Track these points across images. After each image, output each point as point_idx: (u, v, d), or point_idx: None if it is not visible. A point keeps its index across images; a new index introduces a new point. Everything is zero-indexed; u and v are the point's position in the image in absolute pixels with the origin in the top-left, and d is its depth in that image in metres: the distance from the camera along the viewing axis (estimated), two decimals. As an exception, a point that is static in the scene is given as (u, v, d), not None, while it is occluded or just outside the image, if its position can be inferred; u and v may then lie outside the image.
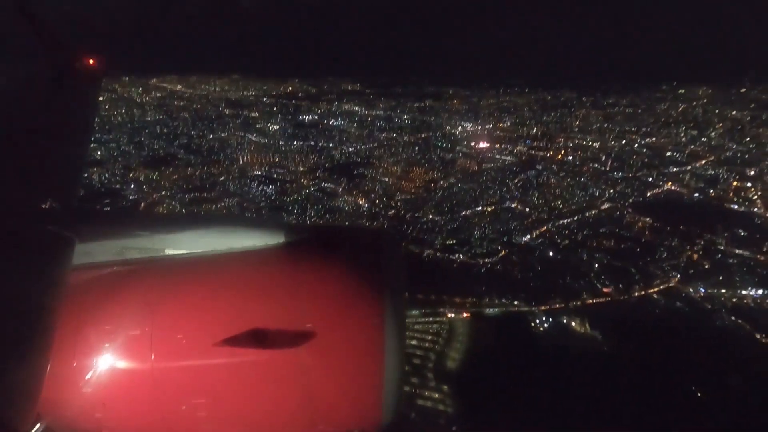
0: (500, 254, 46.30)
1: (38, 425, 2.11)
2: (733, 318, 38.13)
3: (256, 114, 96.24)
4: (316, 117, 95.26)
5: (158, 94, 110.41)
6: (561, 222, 53.34)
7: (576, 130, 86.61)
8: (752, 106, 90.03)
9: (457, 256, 46.13)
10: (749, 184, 62.08)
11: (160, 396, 2.29)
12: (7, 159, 3.52)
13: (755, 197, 58.29)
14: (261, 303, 2.34)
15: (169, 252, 2.69)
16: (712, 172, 67.51)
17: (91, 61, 6.63)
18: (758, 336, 36.35)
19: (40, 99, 5.13)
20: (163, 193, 58.87)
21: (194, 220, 2.99)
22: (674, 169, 69.01)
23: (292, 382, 2.25)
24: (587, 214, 55.57)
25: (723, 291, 41.11)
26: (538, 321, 37.98)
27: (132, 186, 60.67)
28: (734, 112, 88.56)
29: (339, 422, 2.39)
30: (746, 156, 71.80)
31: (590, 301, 40.10)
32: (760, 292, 40.68)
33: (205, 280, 2.51)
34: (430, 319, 37.66)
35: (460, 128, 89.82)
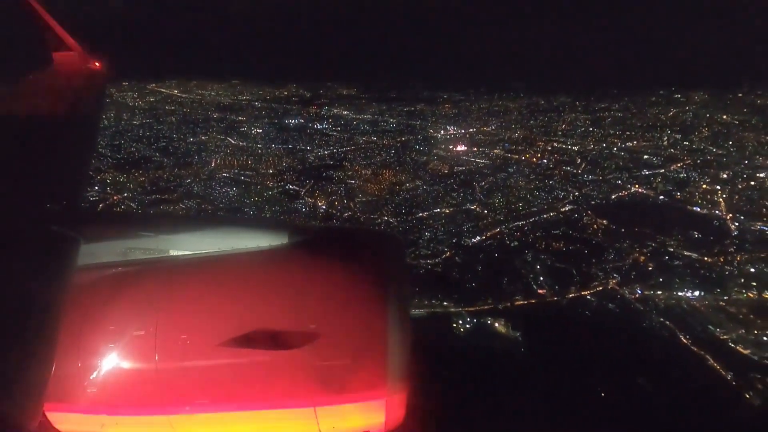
0: (444, 255, 46.06)
1: None
2: (661, 319, 37.58)
3: (243, 118, 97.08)
4: (302, 121, 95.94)
5: (152, 99, 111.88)
6: (516, 224, 52.92)
7: (559, 133, 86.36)
8: (744, 110, 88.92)
9: (399, 257, 45.77)
10: (718, 187, 61.20)
11: (164, 396, 2.33)
12: (13, 160, 3.63)
13: (719, 200, 57.44)
14: (265, 303, 2.38)
15: (173, 253, 2.76)
16: (684, 175, 66.71)
17: (97, 64, 6.91)
18: (681, 337, 35.80)
19: (46, 101, 5.29)
20: (126, 194, 59.38)
21: (198, 222, 3.04)
22: (646, 172, 68.33)
23: (295, 382, 2.28)
24: (545, 216, 55.08)
25: (659, 292, 40.52)
26: (461, 322, 37.62)
27: (96, 187, 61.23)
28: (724, 116, 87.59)
29: (343, 422, 2.41)
30: (724, 159, 70.83)
31: (520, 302, 39.76)
32: (696, 293, 40.07)
33: (209, 280, 2.55)
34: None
35: (442, 132, 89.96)
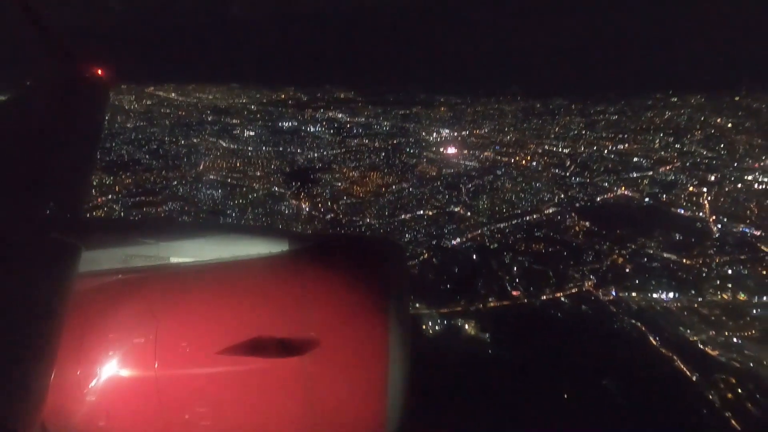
0: (421, 257, 45.93)
1: None
2: (633, 321, 37.46)
3: (237, 121, 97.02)
4: (296, 124, 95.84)
5: (148, 102, 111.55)
6: (498, 226, 52.81)
7: (552, 136, 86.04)
8: (740, 113, 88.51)
9: (376, 260, 45.66)
10: (704, 190, 61.07)
11: (164, 404, 2.30)
12: (15, 166, 3.60)
13: (705, 202, 57.29)
14: (265, 311, 2.36)
15: (174, 260, 2.72)
16: (672, 178, 66.51)
17: (99, 71, 6.86)
18: (651, 338, 35.73)
19: (48, 108, 5.26)
20: (110, 196, 59.39)
21: (199, 228, 3.01)
22: (634, 175, 68.13)
23: (296, 390, 2.26)
24: (528, 218, 54.99)
25: (633, 294, 40.40)
26: (431, 323, 37.48)
27: (81, 189, 61.15)
28: (718, 120, 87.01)
29: (343, 431, 2.38)
30: (714, 162, 70.58)
31: (493, 304, 39.61)
32: (671, 295, 39.92)
33: (209, 288, 2.53)
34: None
35: (435, 134, 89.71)
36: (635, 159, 73.96)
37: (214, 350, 2.24)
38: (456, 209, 57.54)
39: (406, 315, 2.38)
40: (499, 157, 76.58)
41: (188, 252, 2.69)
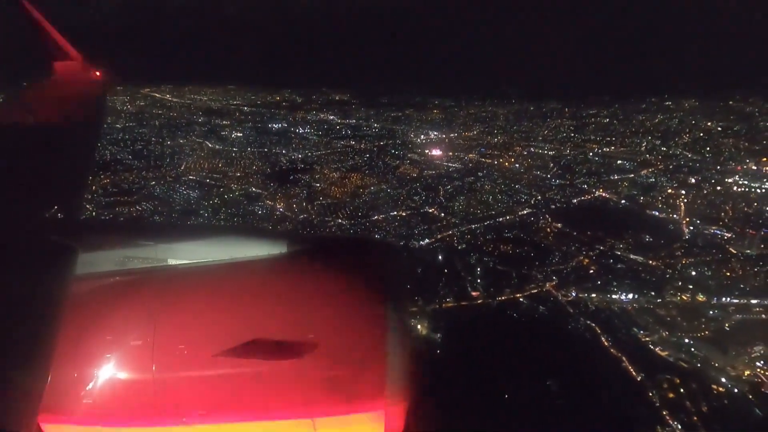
0: (386, 258, 45.60)
1: None
2: (587, 322, 37.16)
3: (227, 122, 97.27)
4: (286, 125, 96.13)
5: (142, 102, 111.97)
6: (469, 227, 52.57)
7: (539, 139, 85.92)
8: (731, 117, 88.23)
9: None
10: (683, 192, 60.79)
11: (162, 407, 2.31)
12: (13, 169, 3.69)
13: (681, 204, 56.99)
14: (264, 313, 2.38)
15: (172, 262, 2.75)
16: (653, 180, 66.23)
17: (98, 73, 7.01)
18: (603, 339, 35.50)
19: (46, 110, 5.41)
20: (85, 195, 59.27)
21: (197, 231, 3.10)
22: (615, 177, 67.82)
23: (294, 392, 2.27)
24: (501, 219, 54.71)
25: (593, 295, 40.09)
26: (382, 324, 37.24)
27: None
28: (708, 123, 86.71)
29: None
30: (696, 165, 70.29)
31: (449, 304, 39.42)
32: (630, 296, 39.67)
33: (207, 290, 2.55)
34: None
35: (423, 136, 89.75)
36: (619, 161, 73.71)
37: (212, 352, 2.23)
38: (430, 210, 57.35)
39: (404, 316, 2.38)
40: (483, 159, 76.46)
41: (186, 254, 2.70)
